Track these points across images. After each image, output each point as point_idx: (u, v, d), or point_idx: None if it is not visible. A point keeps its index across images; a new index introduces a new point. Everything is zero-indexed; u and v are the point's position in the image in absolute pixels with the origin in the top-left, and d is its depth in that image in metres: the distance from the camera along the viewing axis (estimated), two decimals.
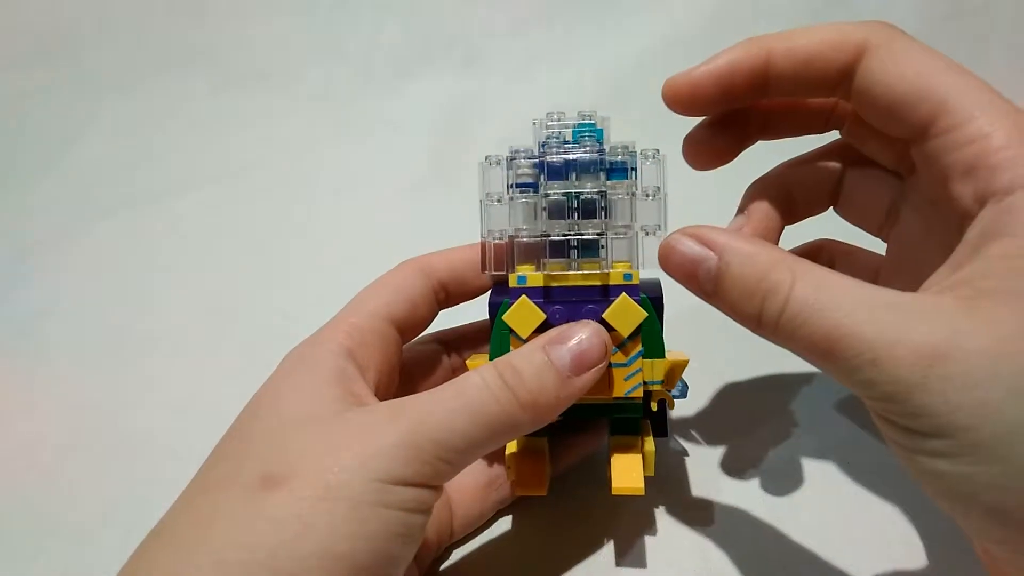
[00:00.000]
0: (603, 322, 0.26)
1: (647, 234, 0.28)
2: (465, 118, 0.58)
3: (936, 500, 0.21)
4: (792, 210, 0.30)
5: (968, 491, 0.20)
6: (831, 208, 0.31)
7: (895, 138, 0.25)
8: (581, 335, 0.25)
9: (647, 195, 0.28)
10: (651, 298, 0.28)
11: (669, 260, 0.24)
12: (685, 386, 0.29)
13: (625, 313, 0.26)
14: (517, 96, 0.58)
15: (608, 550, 0.31)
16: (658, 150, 0.28)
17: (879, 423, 0.22)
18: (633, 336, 0.27)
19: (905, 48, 0.24)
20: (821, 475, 0.33)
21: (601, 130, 0.29)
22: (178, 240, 0.51)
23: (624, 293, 0.27)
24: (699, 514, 0.32)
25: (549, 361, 0.24)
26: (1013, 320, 0.19)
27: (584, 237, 0.27)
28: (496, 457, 0.32)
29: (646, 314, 0.27)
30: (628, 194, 0.27)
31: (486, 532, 0.32)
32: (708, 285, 0.23)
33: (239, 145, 0.58)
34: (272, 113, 0.60)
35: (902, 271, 0.28)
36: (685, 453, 0.34)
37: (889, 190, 0.28)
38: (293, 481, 0.21)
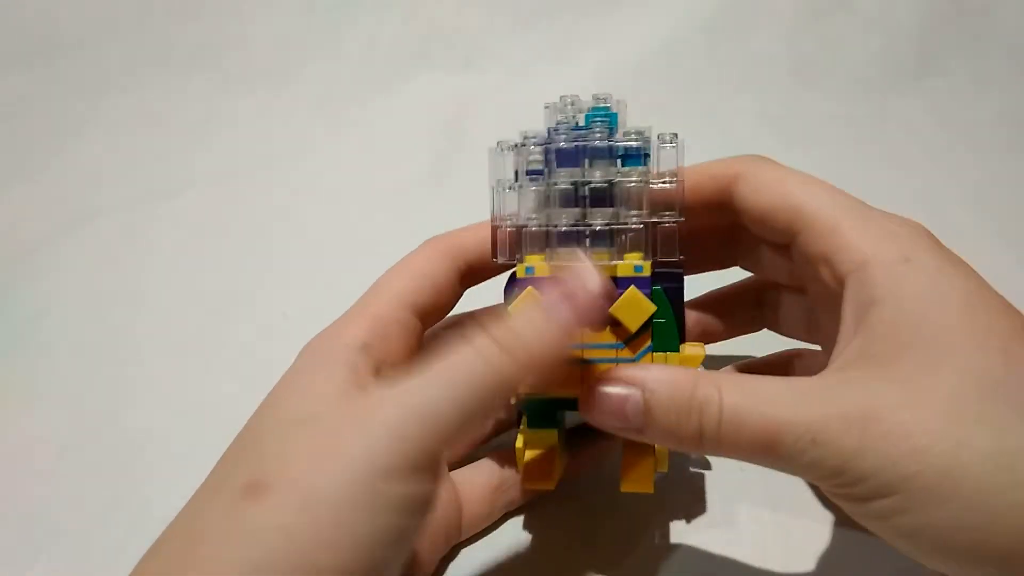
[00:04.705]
0: (610, 316, 0.26)
1: (663, 221, 0.27)
2: (465, 117, 0.58)
3: (925, 563, 0.22)
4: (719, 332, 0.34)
5: (937, 542, 0.21)
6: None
7: (780, 251, 0.28)
8: (587, 283, 0.24)
9: (664, 182, 0.27)
10: (668, 288, 0.27)
11: (594, 408, 0.24)
12: None
13: (633, 307, 0.26)
14: (517, 95, 0.58)
15: (617, 550, 0.31)
16: (676, 134, 0.27)
17: (842, 505, 0.23)
18: (642, 331, 0.26)
19: (768, 170, 0.28)
20: None
21: (615, 114, 0.28)
22: (178, 240, 0.51)
23: (633, 286, 0.26)
24: (712, 514, 0.32)
25: (548, 316, 0.23)
26: (915, 372, 0.22)
27: (592, 227, 0.26)
28: (507, 458, 0.32)
29: (654, 308, 0.26)
30: (641, 181, 0.26)
31: (495, 531, 0.32)
32: (638, 419, 0.23)
33: (239, 145, 0.58)
34: (272, 113, 0.60)
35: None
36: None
37: (801, 304, 0.31)
38: (275, 488, 0.20)
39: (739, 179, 0.28)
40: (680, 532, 0.31)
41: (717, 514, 0.32)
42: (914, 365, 0.22)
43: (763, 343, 0.34)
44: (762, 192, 0.27)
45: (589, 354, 0.27)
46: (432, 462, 0.21)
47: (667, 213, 0.27)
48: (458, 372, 0.21)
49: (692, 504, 0.32)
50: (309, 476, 0.20)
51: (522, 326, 0.22)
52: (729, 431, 0.22)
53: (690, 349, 0.28)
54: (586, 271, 0.24)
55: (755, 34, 0.61)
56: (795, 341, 0.33)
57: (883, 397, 0.21)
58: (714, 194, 0.29)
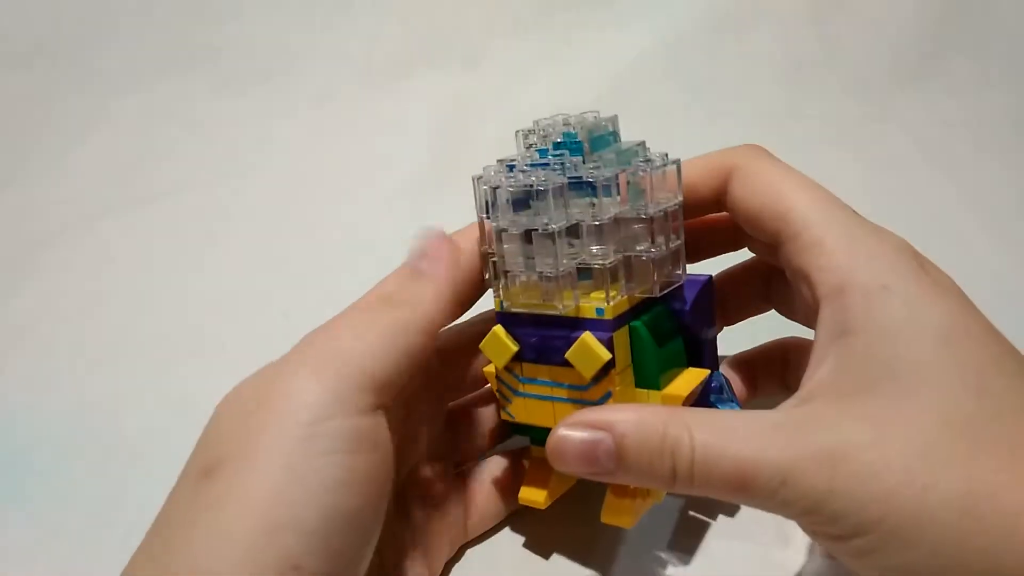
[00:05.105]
0: (567, 361, 0.25)
1: (637, 254, 0.26)
2: (465, 118, 0.58)
3: None
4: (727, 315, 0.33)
5: None
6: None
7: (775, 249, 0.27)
8: (425, 240, 0.27)
9: (640, 214, 0.25)
10: (676, 311, 0.27)
11: (565, 455, 0.23)
12: (731, 399, 0.28)
13: (585, 356, 0.25)
14: (517, 96, 0.58)
15: (622, 551, 0.31)
16: (649, 161, 0.26)
17: (819, 542, 0.23)
18: (599, 377, 0.25)
19: (762, 169, 0.27)
20: None
21: (581, 143, 0.26)
22: (178, 240, 0.51)
23: (588, 332, 0.25)
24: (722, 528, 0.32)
25: (403, 268, 0.27)
26: (882, 410, 0.21)
27: (543, 273, 0.25)
28: (513, 459, 0.32)
29: (608, 357, 0.25)
30: (600, 219, 0.25)
31: (499, 533, 0.32)
32: (611, 463, 0.23)
33: (239, 145, 0.58)
34: (272, 113, 0.60)
35: None
36: None
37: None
38: (225, 463, 0.21)
39: (734, 175, 0.27)
40: (694, 540, 0.31)
41: (720, 518, 0.32)
42: (884, 402, 0.22)
43: (762, 333, 0.34)
44: (753, 194, 0.27)
45: (555, 393, 0.27)
46: (360, 392, 0.23)
47: (640, 247, 0.26)
48: (349, 316, 0.25)
49: (692, 508, 0.32)
50: (249, 442, 0.22)
51: (400, 283, 0.26)
52: (701, 472, 0.22)
53: (681, 381, 0.27)
54: (426, 232, 0.27)
55: (755, 34, 0.61)
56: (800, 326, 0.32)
57: (852, 435, 0.21)
58: (711, 190, 0.28)
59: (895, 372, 0.22)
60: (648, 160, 0.26)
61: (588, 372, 0.25)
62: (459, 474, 0.32)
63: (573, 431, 0.23)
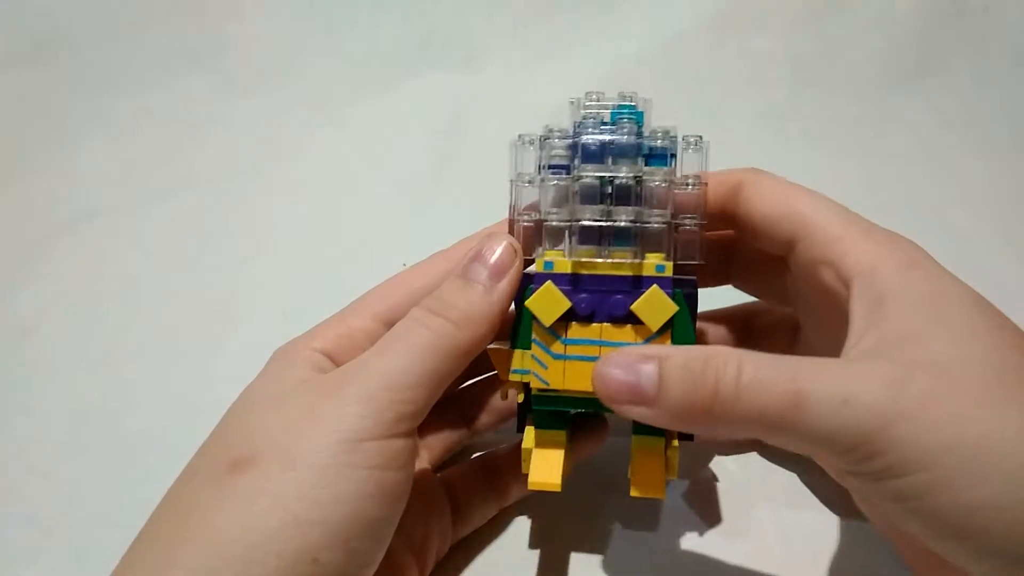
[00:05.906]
0: (631, 314, 0.26)
1: (686, 225, 0.27)
2: (465, 118, 0.58)
3: (941, 549, 0.21)
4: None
5: (963, 523, 0.19)
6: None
7: (775, 267, 0.29)
8: (496, 248, 0.26)
9: (687, 185, 0.27)
10: (684, 293, 0.27)
11: (607, 378, 0.22)
12: None
13: (655, 306, 0.26)
14: (517, 95, 0.58)
15: (616, 549, 0.31)
16: (700, 137, 0.27)
17: (857, 486, 0.22)
18: (663, 331, 0.26)
19: (772, 181, 0.28)
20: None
21: (641, 112, 0.28)
22: (178, 240, 0.51)
23: (656, 285, 0.26)
24: (723, 522, 0.31)
25: (468, 280, 0.26)
26: (938, 357, 0.21)
27: (617, 224, 0.26)
28: (497, 458, 0.32)
29: (677, 308, 0.26)
30: (666, 182, 0.26)
31: (490, 531, 0.32)
32: (652, 388, 0.22)
33: (239, 145, 0.58)
34: (272, 113, 0.60)
35: None
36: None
37: (788, 329, 0.32)
38: (259, 460, 0.22)
39: (742, 187, 0.28)
40: (686, 534, 0.31)
41: (725, 522, 0.32)
42: (936, 351, 0.21)
43: None
44: (766, 200, 0.28)
45: (604, 353, 0.26)
46: (402, 420, 0.24)
47: (689, 216, 0.27)
48: (409, 342, 0.25)
49: (694, 511, 0.32)
50: (289, 445, 0.23)
51: (450, 295, 0.26)
52: (748, 394, 0.21)
53: None
54: (493, 237, 0.27)
55: (756, 34, 0.61)
56: None
57: (914, 365, 0.21)
58: (717, 203, 0.28)
59: (940, 329, 0.22)
60: (697, 136, 0.28)
61: (656, 323, 0.26)
62: (447, 472, 0.32)
63: (619, 356, 0.23)
